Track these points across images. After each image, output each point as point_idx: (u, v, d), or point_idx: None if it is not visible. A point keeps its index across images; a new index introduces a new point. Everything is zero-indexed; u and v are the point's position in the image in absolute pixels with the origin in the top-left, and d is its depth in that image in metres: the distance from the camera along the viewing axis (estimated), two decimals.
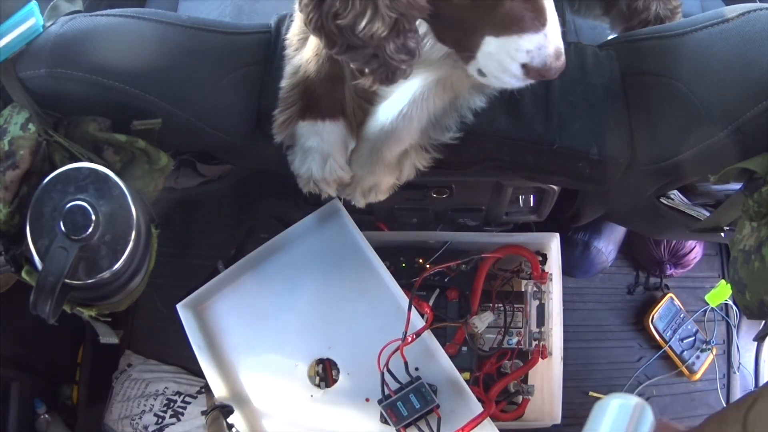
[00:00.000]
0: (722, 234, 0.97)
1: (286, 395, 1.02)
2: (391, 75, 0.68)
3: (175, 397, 1.40)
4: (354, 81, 0.72)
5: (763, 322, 0.78)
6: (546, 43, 0.62)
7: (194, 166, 1.02)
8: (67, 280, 0.73)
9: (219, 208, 1.57)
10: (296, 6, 0.67)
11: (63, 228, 0.73)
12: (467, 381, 1.03)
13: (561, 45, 0.63)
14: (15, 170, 0.76)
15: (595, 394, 1.49)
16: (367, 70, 0.68)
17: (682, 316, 1.53)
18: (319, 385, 1.02)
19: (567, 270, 1.50)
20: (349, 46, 0.65)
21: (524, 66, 0.63)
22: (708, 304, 1.54)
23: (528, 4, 0.61)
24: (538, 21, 0.61)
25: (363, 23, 0.62)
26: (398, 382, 0.96)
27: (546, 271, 1.17)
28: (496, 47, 0.63)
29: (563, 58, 0.63)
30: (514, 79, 0.66)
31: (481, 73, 0.68)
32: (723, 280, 1.56)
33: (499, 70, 0.65)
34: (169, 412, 1.39)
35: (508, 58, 0.63)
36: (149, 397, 1.41)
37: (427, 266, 1.17)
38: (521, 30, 0.61)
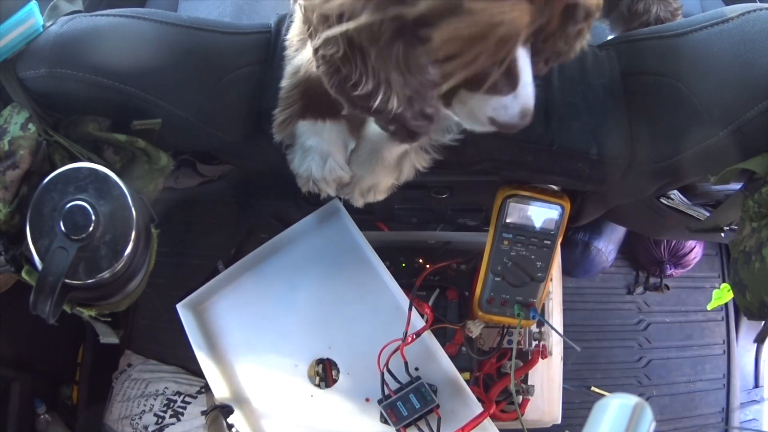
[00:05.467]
0: (722, 234, 0.97)
1: (286, 395, 1.02)
2: (413, 135, 0.71)
3: (175, 397, 1.40)
4: (382, 137, 0.76)
5: (763, 323, 0.78)
6: (513, 104, 0.64)
7: (194, 166, 1.02)
8: (67, 280, 0.73)
9: (219, 208, 1.57)
10: (295, 4, 0.67)
11: (63, 228, 0.73)
12: (467, 381, 1.03)
13: (530, 105, 0.65)
14: (15, 170, 0.76)
15: (597, 390, 1.49)
16: (390, 129, 0.70)
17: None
18: (319, 385, 1.02)
19: (567, 270, 1.50)
20: (370, 110, 0.67)
21: (490, 118, 0.66)
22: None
23: (503, 73, 0.63)
24: (508, 86, 0.64)
25: (377, 100, 0.64)
26: (398, 382, 0.96)
27: None
28: (468, 99, 0.66)
29: (529, 117, 0.66)
30: (478, 125, 0.69)
31: (452, 110, 0.70)
32: (716, 290, 1.56)
33: (467, 115, 0.69)
34: (169, 412, 1.39)
35: (475, 110, 0.67)
36: (149, 397, 1.41)
37: (427, 266, 1.17)
38: (491, 92, 0.64)
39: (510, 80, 0.63)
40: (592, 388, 1.49)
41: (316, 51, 0.65)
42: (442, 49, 0.56)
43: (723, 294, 1.52)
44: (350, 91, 0.65)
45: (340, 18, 0.59)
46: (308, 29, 0.65)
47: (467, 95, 0.65)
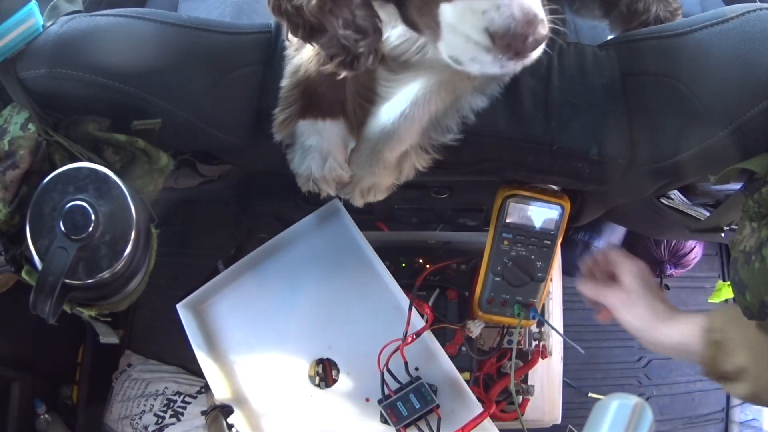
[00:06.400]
0: (722, 234, 0.97)
1: (286, 395, 1.02)
2: (354, 61, 0.66)
3: (175, 397, 1.41)
4: (321, 66, 0.71)
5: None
6: (505, 2, 0.53)
7: (194, 166, 1.02)
8: (66, 280, 0.73)
9: (219, 208, 1.57)
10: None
11: (63, 228, 0.73)
12: (467, 381, 1.04)
13: (533, 8, 0.54)
14: (15, 170, 0.76)
15: (595, 395, 1.49)
16: (333, 52, 0.67)
17: None
18: (319, 385, 1.02)
19: (567, 270, 1.50)
20: (312, 29, 0.65)
21: (490, 35, 0.55)
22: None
23: None
24: None
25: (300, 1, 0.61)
26: (398, 382, 0.96)
27: None
28: (453, 14, 0.57)
29: (540, 27, 0.54)
30: (489, 60, 0.57)
31: (456, 60, 0.61)
32: (720, 281, 1.56)
33: (468, 48, 0.58)
34: (169, 412, 1.39)
35: (468, 26, 0.56)
36: (149, 397, 1.41)
37: (427, 266, 1.17)
38: None
39: None
40: (590, 394, 1.48)
41: None
42: None
43: (725, 288, 1.52)
44: (287, 5, 0.64)
45: None
46: None
47: (449, 7, 0.56)
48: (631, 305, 0.92)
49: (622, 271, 0.96)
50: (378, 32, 0.66)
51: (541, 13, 0.55)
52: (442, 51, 0.62)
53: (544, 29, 0.55)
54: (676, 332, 0.85)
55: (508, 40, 0.55)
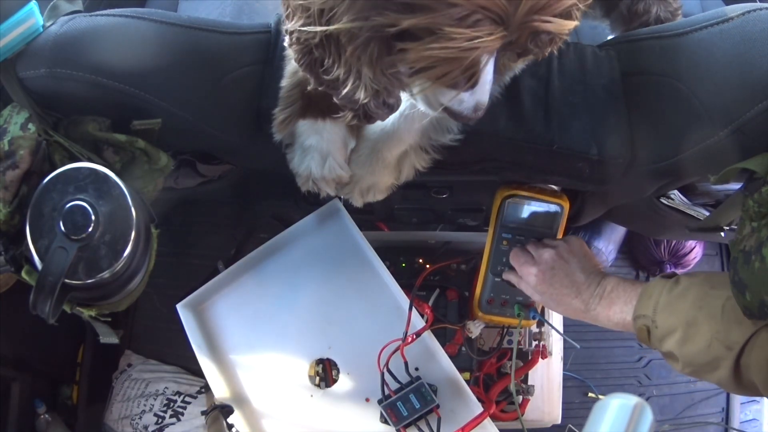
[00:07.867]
0: (722, 234, 0.97)
1: (286, 395, 1.02)
2: (369, 118, 0.73)
3: (175, 397, 1.41)
4: (335, 115, 0.76)
5: None
6: (469, 99, 0.67)
7: (194, 166, 1.02)
8: (66, 280, 0.73)
9: (219, 208, 1.57)
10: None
11: (63, 228, 0.73)
12: (467, 381, 1.04)
13: (484, 101, 0.68)
14: (15, 170, 0.76)
15: (595, 395, 1.49)
16: (350, 107, 0.71)
17: None
18: (319, 385, 1.02)
19: None
20: (337, 92, 0.69)
21: (444, 106, 0.68)
22: None
23: (464, 72, 0.64)
24: (468, 85, 0.65)
25: (346, 89, 0.65)
26: (398, 382, 0.96)
27: None
28: (426, 85, 0.67)
29: (481, 112, 0.68)
30: (430, 109, 0.71)
31: (410, 96, 0.72)
32: None
33: (422, 98, 0.70)
34: (169, 412, 1.39)
35: (431, 96, 0.69)
36: (149, 397, 1.41)
37: (427, 266, 1.17)
38: (449, 87, 0.65)
39: (471, 80, 0.64)
40: (589, 395, 1.48)
41: (291, 33, 0.65)
42: (415, 63, 0.58)
43: None
44: (320, 73, 0.67)
45: (321, 14, 0.60)
46: (286, 9, 0.65)
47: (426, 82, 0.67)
48: (544, 282, 0.94)
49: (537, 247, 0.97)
50: (399, 103, 0.73)
51: (486, 100, 0.67)
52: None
53: (482, 112, 0.68)
54: (603, 318, 0.89)
55: (456, 116, 0.69)
